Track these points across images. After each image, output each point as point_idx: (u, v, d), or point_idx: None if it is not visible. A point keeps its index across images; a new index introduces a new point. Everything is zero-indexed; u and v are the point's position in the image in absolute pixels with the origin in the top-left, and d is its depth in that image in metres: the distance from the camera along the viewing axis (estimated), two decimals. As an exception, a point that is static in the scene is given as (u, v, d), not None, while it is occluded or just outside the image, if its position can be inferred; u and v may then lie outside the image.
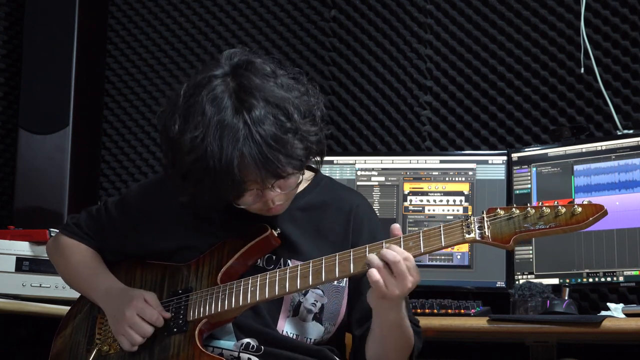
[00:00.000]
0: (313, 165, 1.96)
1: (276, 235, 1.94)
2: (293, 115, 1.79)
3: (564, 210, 1.67)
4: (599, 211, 1.66)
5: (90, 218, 2.12)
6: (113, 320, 1.97)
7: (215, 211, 1.91)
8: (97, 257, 2.10)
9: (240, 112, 1.76)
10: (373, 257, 1.74)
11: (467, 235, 1.72)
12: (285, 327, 1.93)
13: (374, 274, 1.72)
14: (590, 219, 1.66)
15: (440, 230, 1.74)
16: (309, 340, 1.95)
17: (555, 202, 1.69)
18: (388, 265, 1.72)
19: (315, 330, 1.96)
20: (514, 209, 1.71)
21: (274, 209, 1.89)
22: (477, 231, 1.72)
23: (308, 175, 2.07)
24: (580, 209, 1.66)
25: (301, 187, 2.01)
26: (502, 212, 1.71)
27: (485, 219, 1.72)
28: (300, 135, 1.79)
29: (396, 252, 1.72)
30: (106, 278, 2.04)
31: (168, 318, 1.92)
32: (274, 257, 1.96)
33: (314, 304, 1.94)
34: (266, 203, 1.86)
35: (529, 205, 1.71)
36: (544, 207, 1.68)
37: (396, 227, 1.79)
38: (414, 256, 1.76)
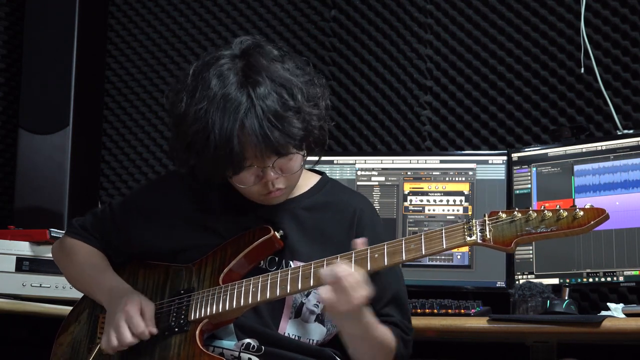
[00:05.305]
0: (314, 158, 1.96)
1: (279, 237, 1.94)
2: (297, 96, 1.83)
3: (565, 213, 1.67)
4: (600, 215, 1.66)
5: (95, 219, 2.12)
6: (107, 319, 1.97)
7: (214, 187, 1.94)
8: (102, 257, 2.10)
9: (245, 86, 1.80)
10: (326, 273, 1.73)
11: (468, 238, 1.72)
12: (288, 329, 1.94)
13: (324, 292, 1.73)
14: (592, 222, 1.66)
15: (442, 233, 1.75)
16: (311, 341, 1.96)
17: (557, 206, 1.70)
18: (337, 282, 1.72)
19: (317, 332, 1.96)
20: (515, 212, 1.71)
21: (273, 194, 1.89)
22: (479, 234, 1.72)
23: (314, 177, 2.07)
24: (582, 213, 1.67)
25: (306, 188, 2.03)
26: (504, 215, 1.71)
27: (487, 222, 1.72)
28: (302, 117, 1.82)
29: (342, 269, 1.72)
30: (111, 277, 2.05)
31: (154, 334, 1.91)
32: (277, 258, 1.96)
33: (316, 304, 1.94)
34: (266, 185, 1.87)
35: (530, 208, 1.71)
36: (546, 211, 1.68)
37: (359, 241, 1.80)
38: (415, 258, 1.76)
